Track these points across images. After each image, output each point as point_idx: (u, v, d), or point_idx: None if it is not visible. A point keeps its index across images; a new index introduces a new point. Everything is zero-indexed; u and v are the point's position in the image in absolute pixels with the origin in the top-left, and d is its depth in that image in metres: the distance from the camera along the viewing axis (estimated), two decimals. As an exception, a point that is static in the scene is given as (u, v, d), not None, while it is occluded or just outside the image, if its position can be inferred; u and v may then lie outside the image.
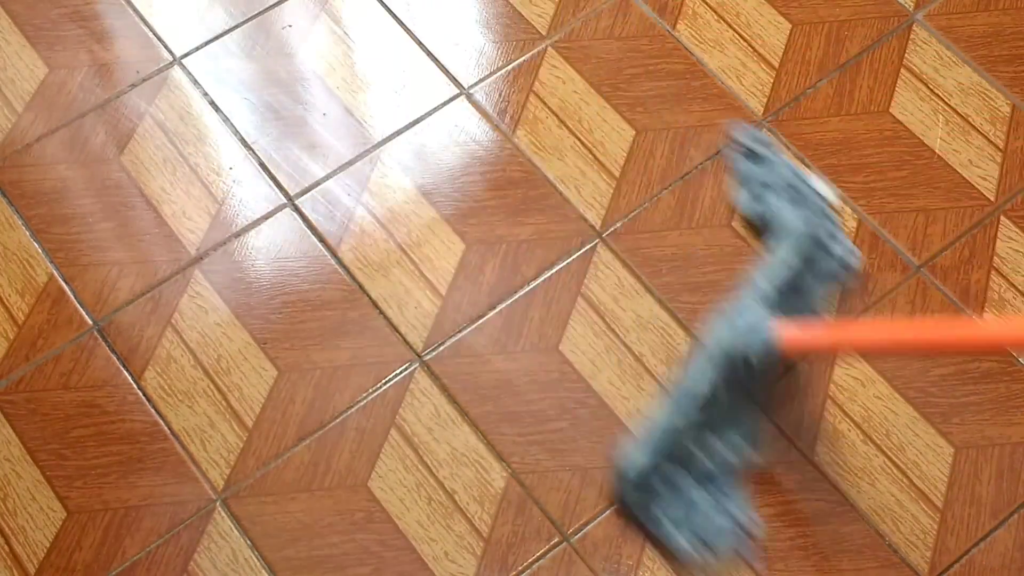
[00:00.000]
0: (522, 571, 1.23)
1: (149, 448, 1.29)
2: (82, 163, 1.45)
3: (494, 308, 1.36)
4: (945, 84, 1.50)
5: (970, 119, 1.48)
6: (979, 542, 1.25)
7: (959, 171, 1.45)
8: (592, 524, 1.25)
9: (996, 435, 1.30)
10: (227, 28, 1.54)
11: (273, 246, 1.40)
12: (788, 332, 1.19)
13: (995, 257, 1.39)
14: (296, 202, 1.42)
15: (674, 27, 1.55)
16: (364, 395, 1.31)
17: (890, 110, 1.49)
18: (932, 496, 1.27)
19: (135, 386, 1.32)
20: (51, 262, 1.39)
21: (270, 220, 1.41)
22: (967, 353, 1.31)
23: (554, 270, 1.39)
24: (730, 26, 1.55)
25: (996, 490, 1.27)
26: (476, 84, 1.50)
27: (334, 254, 1.39)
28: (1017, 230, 1.41)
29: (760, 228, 1.38)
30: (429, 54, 1.53)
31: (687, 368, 1.26)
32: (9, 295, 1.37)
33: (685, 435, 1.22)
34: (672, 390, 1.25)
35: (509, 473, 1.28)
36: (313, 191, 1.43)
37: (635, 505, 1.23)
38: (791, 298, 1.27)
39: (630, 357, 1.33)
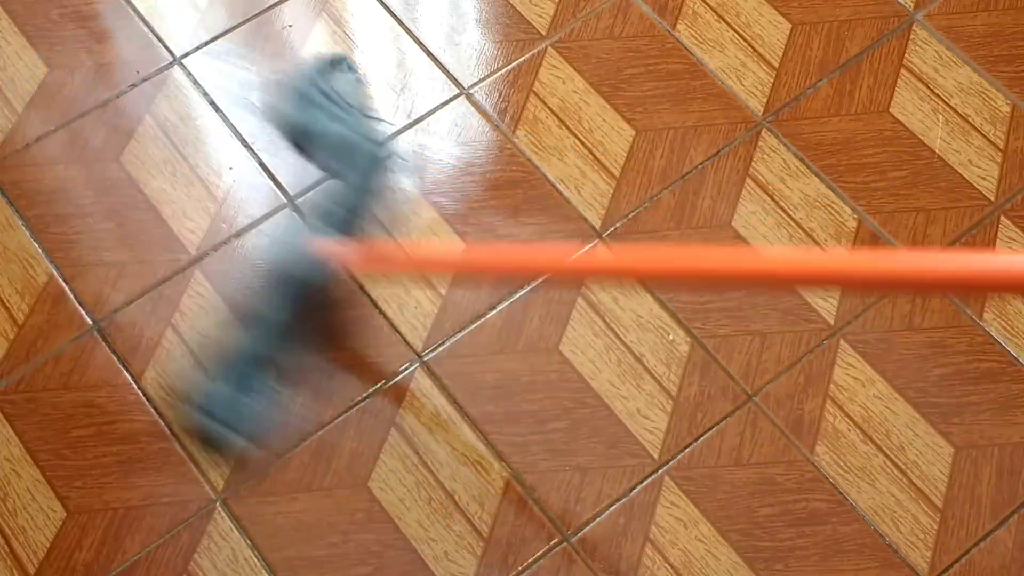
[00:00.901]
0: (522, 571, 1.23)
1: (149, 448, 1.29)
2: (82, 163, 1.45)
3: (494, 308, 1.36)
4: (945, 84, 1.50)
5: (970, 119, 1.48)
6: (979, 542, 1.25)
7: (959, 171, 1.45)
8: (592, 524, 1.25)
9: (996, 435, 1.30)
10: (227, 28, 1.54)
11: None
12: (338, 250, 1.06)
13: (995, 257, 1.39)
14: (296, 202, 1.42)
15: (674, 27, 1.55)
16: (364, 395, 1.31)
17: (890, 110, 1.49)
18: (932, 496, 1.27)
19: (135, 386, 1.32)
20: (51, 262, 1.39)
21: (270, 220, 1.41)
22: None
23: (554, 270, 1.39)
24: (730, 26, 1.55)
25: (996, 490, 1.27)
26: (476, 84, 1.50)
27: (334, 254, 1.39)
28: (1017, 230, 1.41)
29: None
30: (429, 54, 1.53)
31: (256, 295, 1.13)
32: (9, 295, 1.37)
33: (264, 363, 1.10)
34: (244, 317, 1.13)
35: (509, 473, 1.28)
36: (313, 191, 1.43)
37: (217, 433, 1.10)
38: (348, 213, 1.14)
39: (630, 357, 1.33)
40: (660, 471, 1.28)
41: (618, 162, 1.45)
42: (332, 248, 1.06)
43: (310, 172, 1.44)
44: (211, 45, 1.53)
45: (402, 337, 1.34)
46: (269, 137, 1.46)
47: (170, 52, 1.52)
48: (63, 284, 1.37)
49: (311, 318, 1.11)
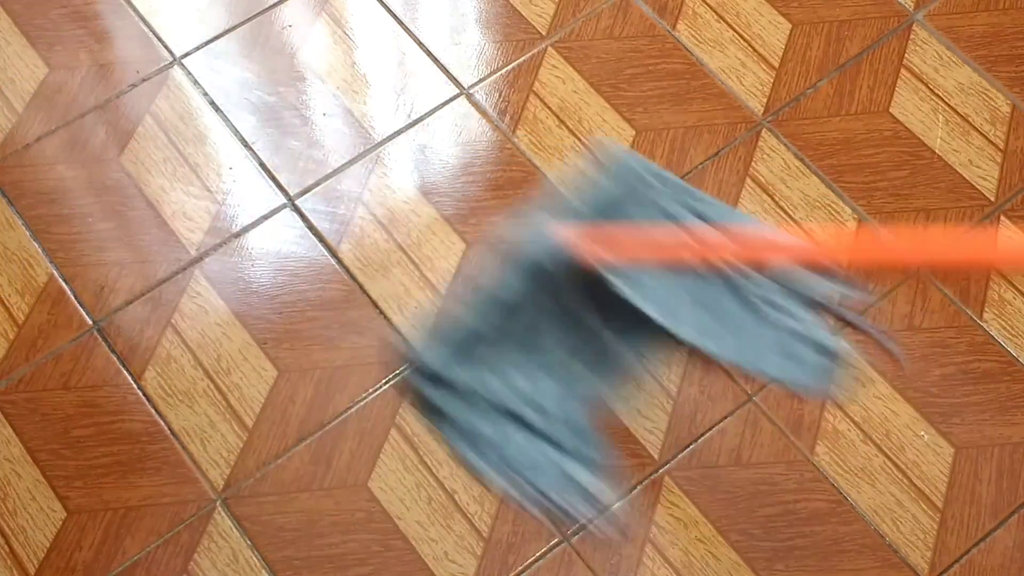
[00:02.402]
0: (522, 571, 1.23)
1: (149, 448, 1.29)
2: (82, 163, 1.45)
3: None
4: (945, 84, 1.50)
5: (970, 119, 1.48)
6: (979, 542, 1.25)
7: (959, 171, 1.45)
8: (590, 524, 1.25)
9: (996, 435, 1.30)
10: (227, 28, 1.54)
11: (273, 246, 1.40)
12: (578, 235, 1.03)
13: (995, 257, 1.40)
14: (296, 202, 1.42)
15: (674, 27, 1.55)
16: (364, 395, 1.31)
17: (890, 110, 1.49)
18: (932, 496, 1.27)
19: (135, 386, 1.32)
20: (51, 262, 1.39)
21: (270, 220, 1.41)
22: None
23: (554, 270, 1.38)
24: (730, 26, 1.55)
25: (996, 490, 1.27)
26: (476, 84, 1.50)
27: (334, 254, 1.39)
28: (1017, 230, 1.41)
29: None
30: (429, 54, 1.53)
31: (490, 273, 1.12)
32: (9, 295, 1.37)
33: (487, 343, 1.08)
34: (474, 293, 1.12)
35: (509, 473, 1.28)
36: (313, 191, 1.43)
37: (429, 402, 1.11)
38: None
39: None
40: (660, 471, 1.28)
41: (618, 162, 1.45)
42: (570, 234, 1.04)
43: (309, 172, 1.44)
44: (211, 45, 1.53)
45: (403, 338, 1.33)
46: (269, 136, 1.46)
47: (170, 52, 1.53)
48: (63, 284, 1.37)
49: (546, 300, 1.09)
